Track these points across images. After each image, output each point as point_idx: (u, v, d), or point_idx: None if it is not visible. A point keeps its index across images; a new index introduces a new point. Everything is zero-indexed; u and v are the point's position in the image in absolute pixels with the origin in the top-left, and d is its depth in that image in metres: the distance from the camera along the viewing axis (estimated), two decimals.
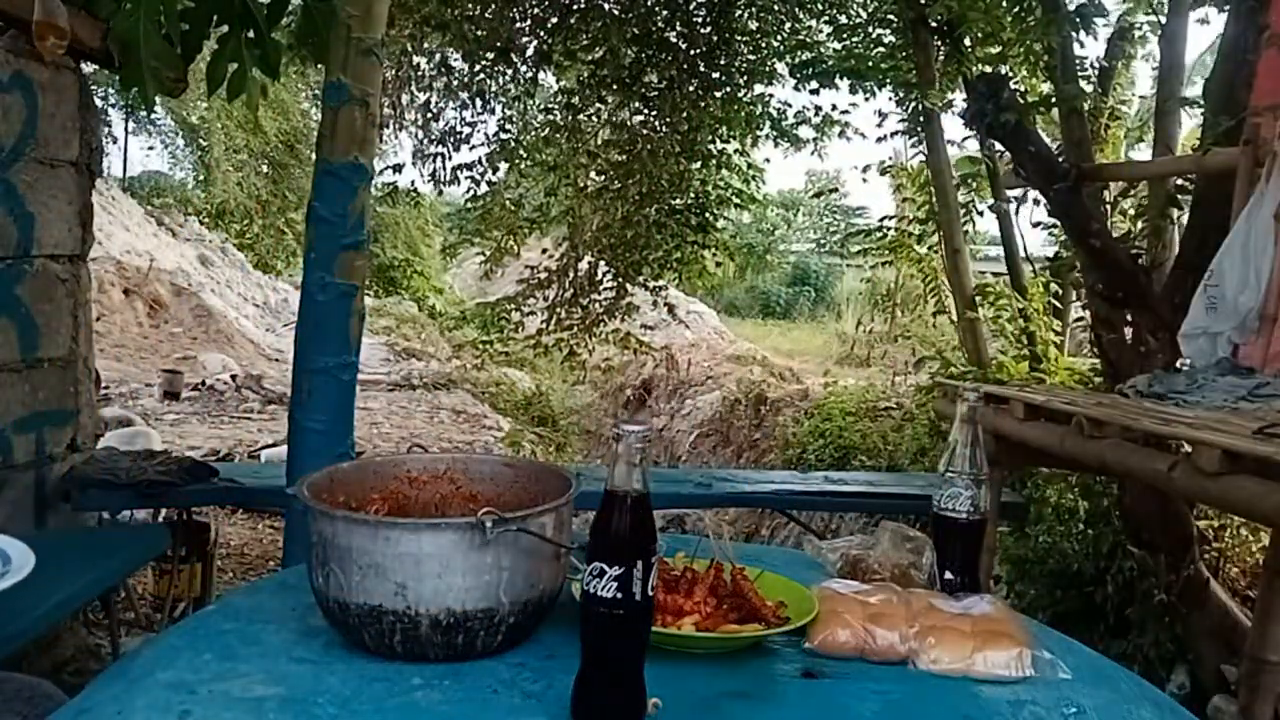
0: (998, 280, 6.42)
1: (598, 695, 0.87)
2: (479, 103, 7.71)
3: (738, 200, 8.12)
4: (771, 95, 7.90)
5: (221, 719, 0.85)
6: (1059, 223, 4.73)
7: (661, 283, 7.99)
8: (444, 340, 14.33)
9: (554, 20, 7.00)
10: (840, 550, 1.30)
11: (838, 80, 7.12)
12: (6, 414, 2.53)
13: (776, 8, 7.15)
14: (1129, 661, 3.33)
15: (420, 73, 7.64)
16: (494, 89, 7.63)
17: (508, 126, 7.88)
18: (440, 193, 9.64)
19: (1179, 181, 4.14)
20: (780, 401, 8.22)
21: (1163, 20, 4.75)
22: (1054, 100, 5.35)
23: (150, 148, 32.56)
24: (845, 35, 7.22)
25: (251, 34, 2.60)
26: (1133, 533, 3.63)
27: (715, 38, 6.97)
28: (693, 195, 7.68)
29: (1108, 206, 4.98)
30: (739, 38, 7.23)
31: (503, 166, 7.85)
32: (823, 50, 7.43)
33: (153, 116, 17.23)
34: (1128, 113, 6.46)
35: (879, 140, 7.36)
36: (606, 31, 6.77)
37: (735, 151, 8.13)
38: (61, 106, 2.63)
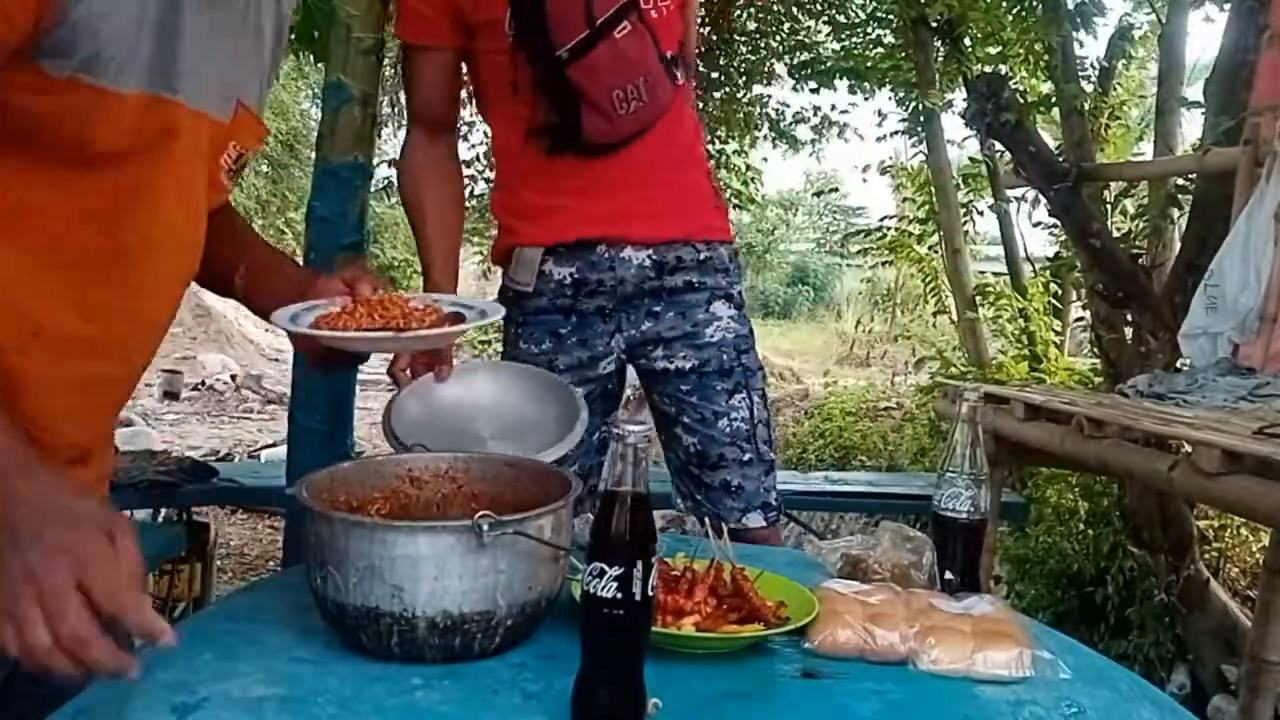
0: (998, 280, 6.43)
1: (598, 695, 0.87)
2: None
3: (737, 201, 8.12)
4: (770, 96, 7.91)
5: (221, 719, 0.85)
6: (1059, 223, 4.74)
7: None
8: None
9: None
10: (840, 550, 1.30)
11: (837, 80, 7.13)
12: None
13: (776, 8, 7.15)
14: (1129, 661, 3.33)
15: None
16: None
17: None
18: None
19: (1179, 181, 4.14)
20: (780, 401, 8.22)
21: (1163, 20, 4.76)
22: (1054, 100, 5.36)
23: None
24: (844, 35, 7.22)
25: None
26: (1133, 533, 3.63)
27: (714, 38, 6.96)
28: None
29: (1108, 206, 4.98)
30: (738, 38, 7.22)
31: None
32: (822, 50, 7.43)
33: None
34: (1128, 113, 6.47)
35: (879, 140, 7.37)
36: None
37: (734, 152, 8.13)
38: None
